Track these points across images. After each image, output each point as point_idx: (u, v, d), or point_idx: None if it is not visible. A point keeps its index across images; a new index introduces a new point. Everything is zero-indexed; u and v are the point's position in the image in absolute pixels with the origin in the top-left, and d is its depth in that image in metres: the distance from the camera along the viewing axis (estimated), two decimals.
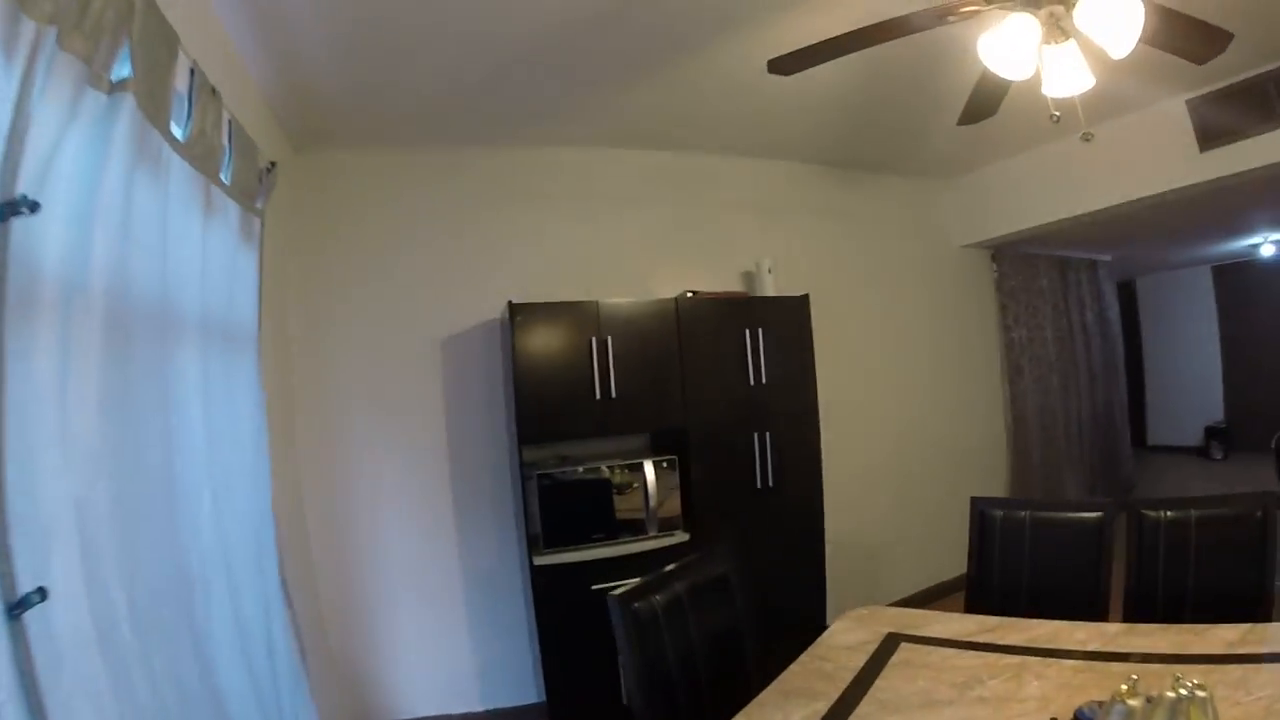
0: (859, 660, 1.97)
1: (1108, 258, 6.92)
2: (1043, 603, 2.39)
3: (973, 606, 2.69)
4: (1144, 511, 2.43)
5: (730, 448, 3.50)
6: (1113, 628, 2.04)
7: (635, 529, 3.28)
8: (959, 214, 5.15)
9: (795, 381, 3.67)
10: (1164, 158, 3.77)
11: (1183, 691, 1.26)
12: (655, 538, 3.30)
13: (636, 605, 1.91)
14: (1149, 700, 1.29)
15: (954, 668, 1.87)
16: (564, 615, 3.12)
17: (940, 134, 3.89)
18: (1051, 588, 2.49)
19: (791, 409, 3.65)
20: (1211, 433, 8.32)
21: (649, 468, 3.26)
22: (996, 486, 5.47)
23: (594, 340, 3.16)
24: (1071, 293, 6.24)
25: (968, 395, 5.27)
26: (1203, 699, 1.25)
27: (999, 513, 2.77)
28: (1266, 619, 2.17)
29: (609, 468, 3.25)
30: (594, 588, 3.11)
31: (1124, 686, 1.33)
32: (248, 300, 2.18)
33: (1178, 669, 1.42)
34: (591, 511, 3.22)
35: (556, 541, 3.14)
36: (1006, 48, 1.88)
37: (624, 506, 3.27)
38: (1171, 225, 5.74)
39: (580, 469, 3.23)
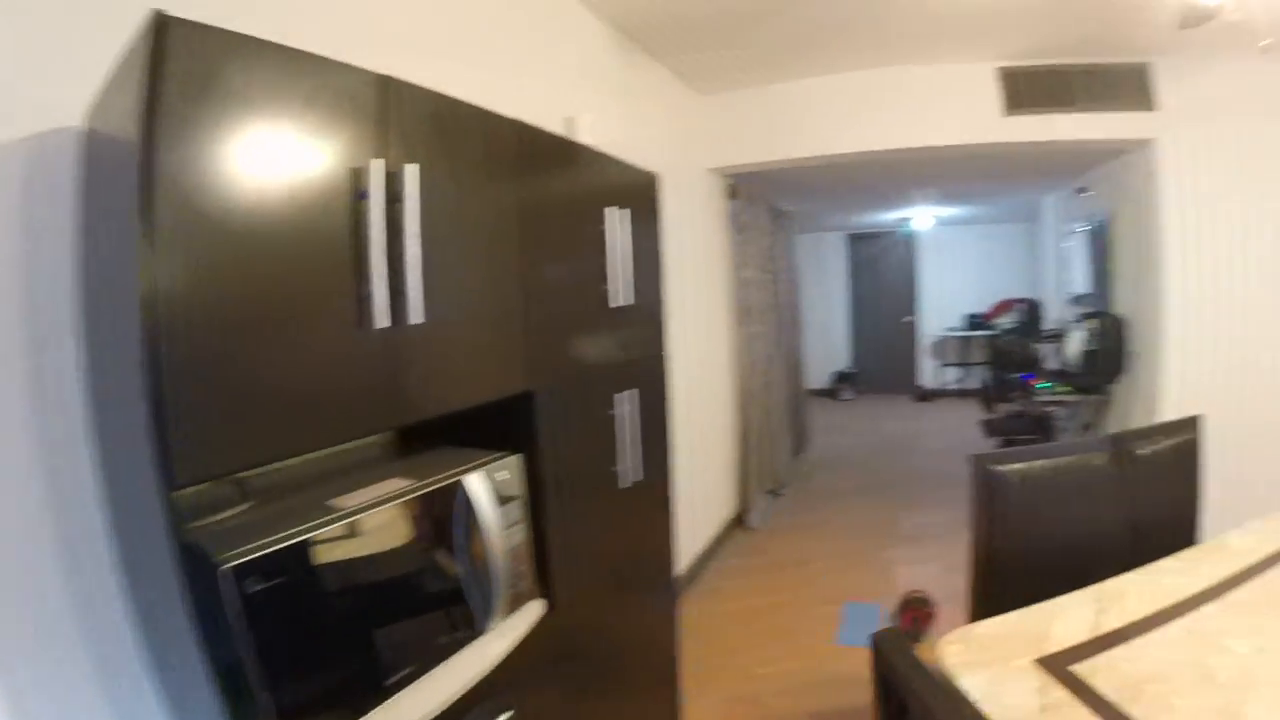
0: None
1: (793, 209, 6.69)
2: None
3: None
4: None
5: (587, 422, 1.92)
6: None
7: (457, 623, 1.50)
8: (725, 131, 4.41)
9: (652, 305, 2.23)
10: (970, 113, 4.01)
11: None
12: (496, 630, 1.56)
13: None
14: None
15: None
16: None
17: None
18: None
19: (652, 350, 2.22)
20: (842, 377, 9.90)
21: (479, 486, 1.51)
22: (728, 441, 4.76)
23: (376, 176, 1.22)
24: (778, 237, 5.77)
25: (707, 337, 4.46)
26: None
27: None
28: None
29: (394, 509, 1.36)
30: None
31: None
32: None
33: None
34: (359, 625, 1.30)
35: None
36: None
37: (423, 583, 1.45)
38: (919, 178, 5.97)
39: (330, 532, 1.23)
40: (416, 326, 1.30)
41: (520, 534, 1.62)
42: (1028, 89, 3.91)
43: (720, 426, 4.62)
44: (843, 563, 4.16)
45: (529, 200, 1.66)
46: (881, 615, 3.51)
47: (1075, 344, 5.02)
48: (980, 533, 2.00)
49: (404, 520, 1.37)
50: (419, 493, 1.40)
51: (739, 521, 4.86)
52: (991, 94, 3.93)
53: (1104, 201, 5.08)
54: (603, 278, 1.92)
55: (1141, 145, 4.04)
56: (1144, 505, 2.27)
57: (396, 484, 1.42)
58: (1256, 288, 3.93)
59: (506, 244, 1.60)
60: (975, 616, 1.90)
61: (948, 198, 7.41)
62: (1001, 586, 1.93)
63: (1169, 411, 3.84)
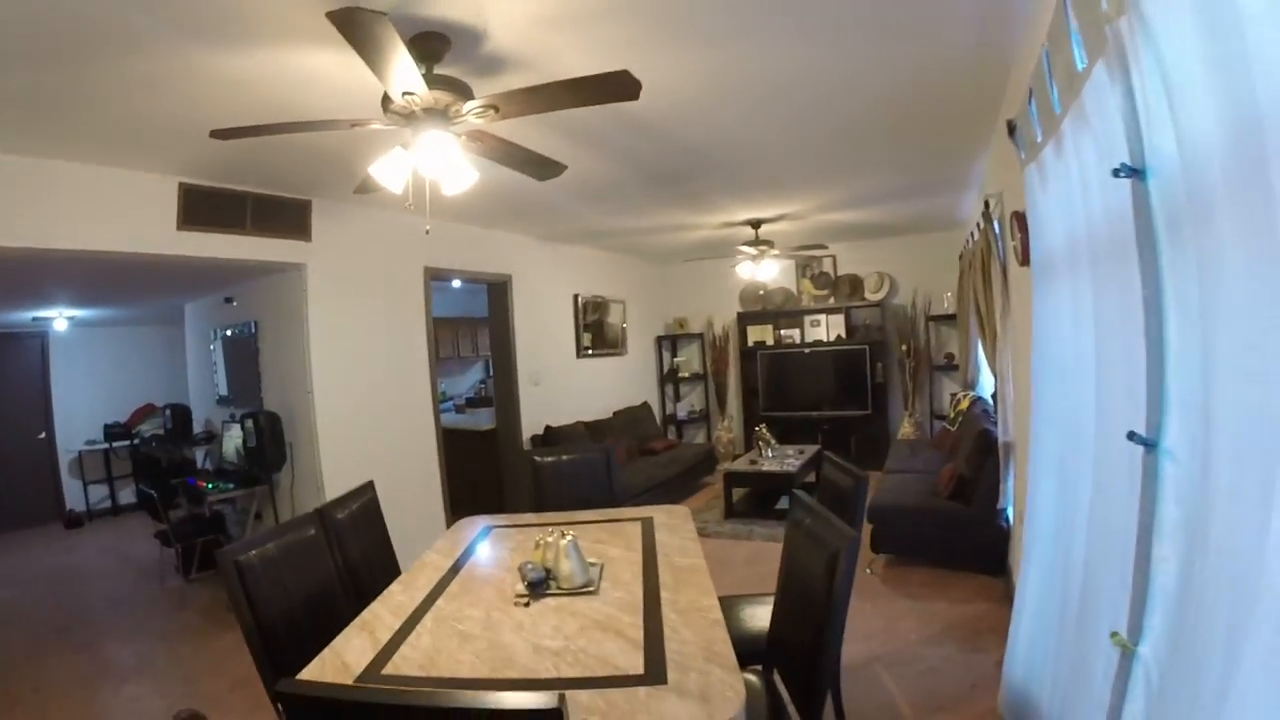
0: None
1: None
2: None
3: None
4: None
5: None
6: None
7: None
8: None
9: None
10: (145, 223, 4.00)
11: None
12: None
13: None
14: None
15: None
16: None
17: None
18: None
19: None
20: None
21: None
22: None
23: None
24: None
25: None
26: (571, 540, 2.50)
27: None
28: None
29: None
30: None
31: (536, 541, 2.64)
32: None
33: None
34: None
35: None
36: (390, 171, 2.63)
37: None
38: None
39: None
40: None
41: None
42: (206, 207, 4.16)
43: None
44: None
45: None
46: None
47: (233, 442, 5.45)
48: (245, 616, 2.26)
49: None
50: None
51: None
52: (170, 207, 4.04)
53: (252, 311, 5.73)
54: None
55: (296, 267, 4.83)
56: (355, 555, 2.96)
57: None
58: (377, 375, 5.32)
59: None
60: (269, 684, 2.16)
61: (92, 299, 6.98)
62: (281, 653, 2.24)
63: (334, 486, 4.65)
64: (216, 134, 2.58)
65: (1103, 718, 1.67)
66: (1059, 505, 2.47)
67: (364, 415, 5.16)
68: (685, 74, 3.05)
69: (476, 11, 2.34)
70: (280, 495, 5.22)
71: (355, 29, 1.82)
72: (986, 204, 4.27)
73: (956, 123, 4.06)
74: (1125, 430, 1.53)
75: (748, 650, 2.21)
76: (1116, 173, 1.48)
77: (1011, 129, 2.96)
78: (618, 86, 2.26)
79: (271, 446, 5.04)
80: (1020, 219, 3.20)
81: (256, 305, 5.67)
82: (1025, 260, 3.16)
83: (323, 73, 2.73)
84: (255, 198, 4.45)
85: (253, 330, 5.70)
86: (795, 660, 2.23)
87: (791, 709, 2.23)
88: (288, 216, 4.67)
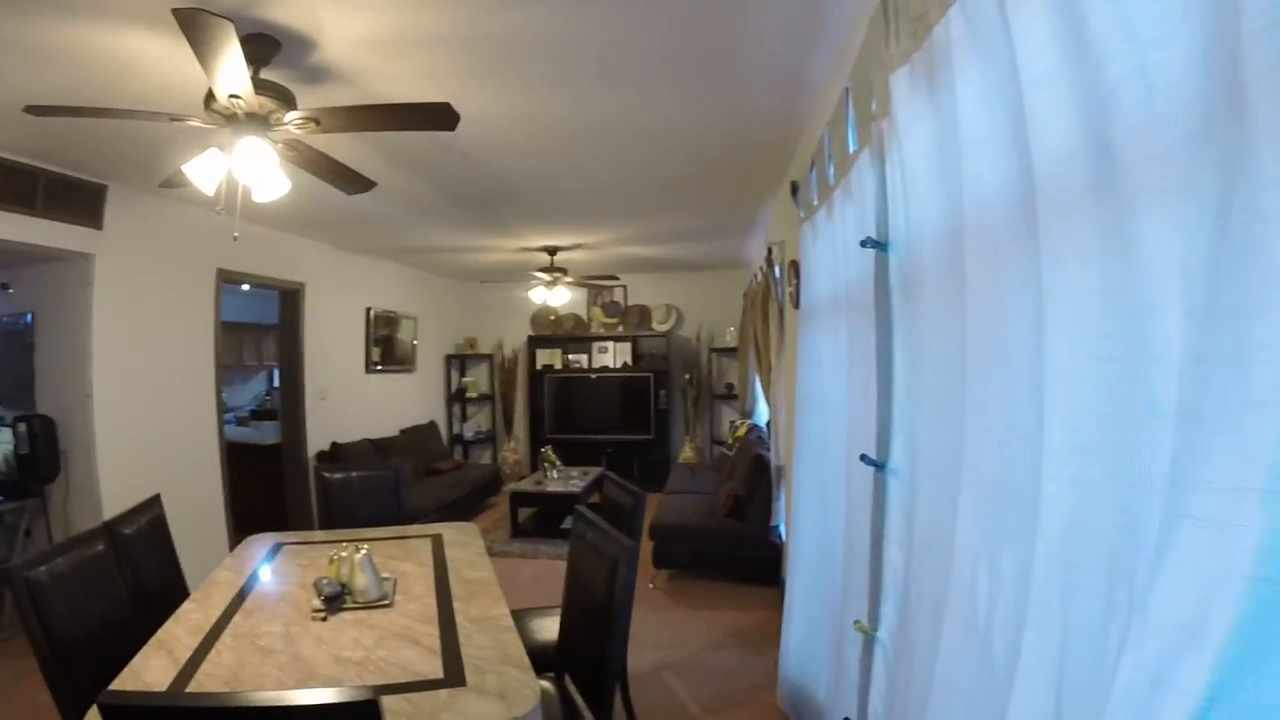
0: None
1: None
2: None
3: None
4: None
5: None
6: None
7: None
8: None
9: None
10: None
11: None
12: None
13: None
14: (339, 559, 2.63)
15: None
16: None
17: None
18: None
19: None
20: None
21: None
22: None
23: None
24: None
25: None
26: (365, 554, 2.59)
27: None
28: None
29: None
30: None
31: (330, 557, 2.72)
32: None
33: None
34: None
35: None
36: (204, 171, 2.57)
37: None
38: None
39: None
40: None
41: None
42: None
43: None
44: None
45: None
46: None
47: (1, 449, 4.80)
48: (37, 636, 2.11)
49: None
50: None
51: None
52: None
53: (30, 300, 4.93)
54: None
55: (84, 256, 4.37)
56: (146, 572, 2.81)
57: None
58: (161, 382, 4.93)
59: None
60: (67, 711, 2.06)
61: None
62: (77, 675, 2.11)
63: (112, 500, 4.28)
64: (32, 110, 2.42)
65: (856, 694, 2.01)
66: (821, 520, 2.87)
67: (145, 424, 4.75)
68: (500, 108, 3.22)
69: (312, 21, 2.37)
70: (53, 510, 4.63)
71: (198, 30, 1.83)
72: (770, 250, 4.78)
73: (749, 175, 4.52)
74: (863, 453, 1.89)
75: (538, 660, 2.36)
76: (863, 244, 1.84)
77: (794, 190, 3.41)
78: (437, 116, 2.40)
79: (46, 455, 4.50)
80: (796, 267, 3.66)
81: (35, 294, 4.94)
82: (798, 304, 3.62)
83: (145, 57, 2.61)
84: (49, 176, 3.99)
85: (29, 322, 5.04)
86: (584, 663, 2.43)
87: (586, 712, 2.42)
88: (81, 200, 4.24)
